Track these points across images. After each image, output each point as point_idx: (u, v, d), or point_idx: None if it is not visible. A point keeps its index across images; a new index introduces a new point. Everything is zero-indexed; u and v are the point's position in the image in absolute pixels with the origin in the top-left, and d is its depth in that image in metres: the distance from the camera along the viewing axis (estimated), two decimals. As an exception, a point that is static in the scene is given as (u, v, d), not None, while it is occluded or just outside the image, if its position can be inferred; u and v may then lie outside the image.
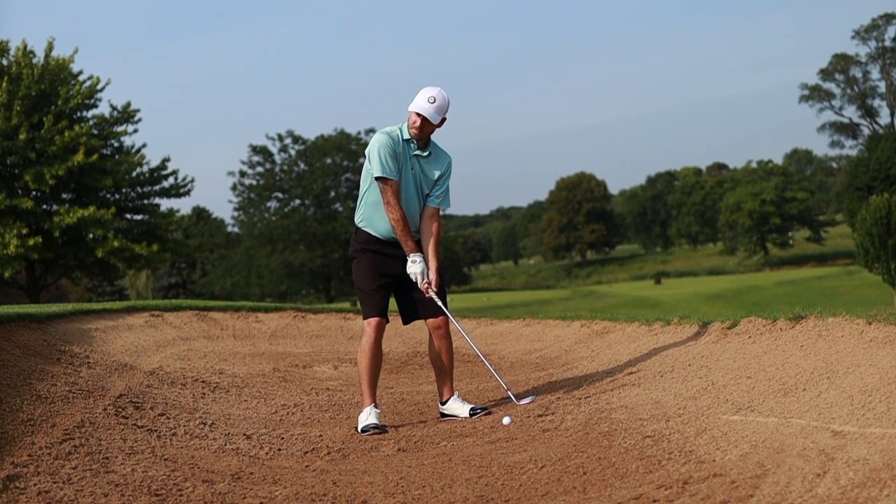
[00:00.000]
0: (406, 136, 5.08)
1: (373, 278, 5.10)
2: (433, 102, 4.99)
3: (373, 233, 5.13)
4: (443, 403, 5.29)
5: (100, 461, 3.74)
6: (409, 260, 5.04)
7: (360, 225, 5.19)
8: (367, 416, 4.92)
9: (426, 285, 5.06)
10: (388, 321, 5.18)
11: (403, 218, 4.99)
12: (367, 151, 5.09)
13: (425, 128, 5.04)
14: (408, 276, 5.11)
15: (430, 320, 5.18)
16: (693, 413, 4.12)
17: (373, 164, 5.01)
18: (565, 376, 6.21)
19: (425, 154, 5.13)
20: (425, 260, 5.09)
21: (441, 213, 5.27)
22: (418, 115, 5.00)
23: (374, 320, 5.04)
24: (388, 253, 5.13)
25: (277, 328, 10.03)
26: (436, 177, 5.17)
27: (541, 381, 6.13)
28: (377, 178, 5.01)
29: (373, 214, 5.12)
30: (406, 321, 5.34)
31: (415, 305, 5.20)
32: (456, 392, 5.35)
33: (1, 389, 4.64)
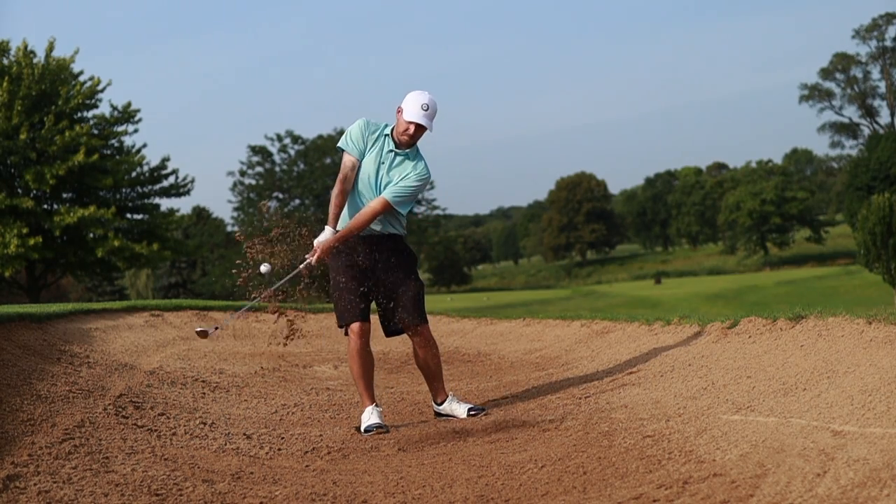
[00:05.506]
0: (387, 132, 4.98)
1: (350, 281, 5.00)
2: (426, 110, 4.86)
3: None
4: (438, 405, 5.28)
5: (100, 461, 3.74)
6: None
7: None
8: (370, 416, 4.90)
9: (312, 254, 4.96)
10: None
11: (340, 193, 4.90)
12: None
13: (417, 136, 4.93)
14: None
15: (407, 329, 5.10)
16: (693, 413, 4.12)
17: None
18: (565, 376, 6.20)
19: (402, 153, 4.96)
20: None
21: (392, 213, 4.96)
22: (412, 123, 4.86)
23: (355, 325, 4.95)
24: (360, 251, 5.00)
25: (277, 328, 10.02)
26: (404, 175, 4.95)
27: (541, 381, 6.13)
28: (339, 148, 5.03)
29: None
30: (388, 334, 5.24)
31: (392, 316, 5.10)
32: (451, 393, 5.33)
33: (1, 389, 4.64)
